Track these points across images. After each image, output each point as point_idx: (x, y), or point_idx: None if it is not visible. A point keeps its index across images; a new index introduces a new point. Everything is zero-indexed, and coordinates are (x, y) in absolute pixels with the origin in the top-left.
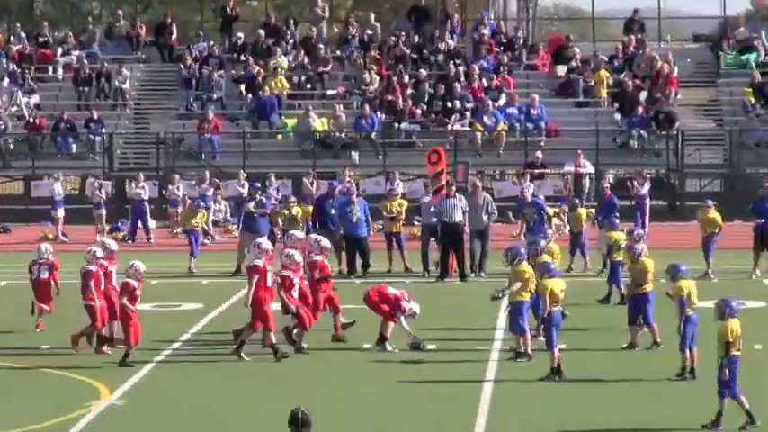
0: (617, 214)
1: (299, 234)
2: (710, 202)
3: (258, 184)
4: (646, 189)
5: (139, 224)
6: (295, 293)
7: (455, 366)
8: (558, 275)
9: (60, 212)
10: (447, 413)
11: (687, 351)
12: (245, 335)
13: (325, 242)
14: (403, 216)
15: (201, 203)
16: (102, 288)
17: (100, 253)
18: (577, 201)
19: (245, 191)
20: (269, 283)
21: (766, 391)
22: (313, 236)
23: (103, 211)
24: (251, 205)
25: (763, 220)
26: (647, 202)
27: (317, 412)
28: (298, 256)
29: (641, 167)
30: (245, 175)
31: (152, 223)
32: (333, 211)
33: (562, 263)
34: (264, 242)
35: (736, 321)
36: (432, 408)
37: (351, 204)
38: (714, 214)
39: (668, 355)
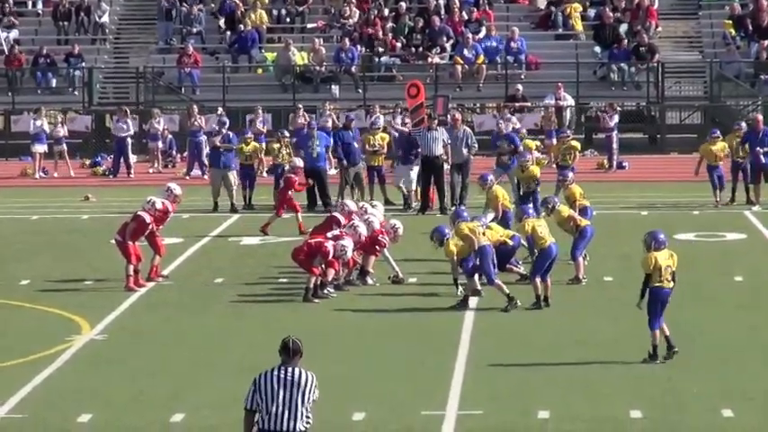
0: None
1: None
2: (718, 132)
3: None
4: (614, 121)
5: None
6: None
7: (436, 299)
8: (467, 219)
9: (39, 147)
10: (428, 345)
11: (538, 281)
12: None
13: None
14: (385, 149)
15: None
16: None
17: (159, 205)
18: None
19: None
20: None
21: (743, 322)
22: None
23: (64, 147)
24: (217, 140)
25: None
26: (615, 134)
27: None
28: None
29: (621, 100)
30: (220, 111)
31: (132, 158)
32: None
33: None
34: None
35: (661, 254)
36: (413, 340)
37: (310, 138)
38: (723, 143)
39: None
